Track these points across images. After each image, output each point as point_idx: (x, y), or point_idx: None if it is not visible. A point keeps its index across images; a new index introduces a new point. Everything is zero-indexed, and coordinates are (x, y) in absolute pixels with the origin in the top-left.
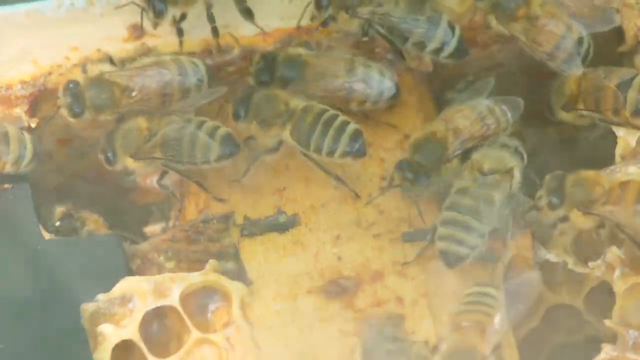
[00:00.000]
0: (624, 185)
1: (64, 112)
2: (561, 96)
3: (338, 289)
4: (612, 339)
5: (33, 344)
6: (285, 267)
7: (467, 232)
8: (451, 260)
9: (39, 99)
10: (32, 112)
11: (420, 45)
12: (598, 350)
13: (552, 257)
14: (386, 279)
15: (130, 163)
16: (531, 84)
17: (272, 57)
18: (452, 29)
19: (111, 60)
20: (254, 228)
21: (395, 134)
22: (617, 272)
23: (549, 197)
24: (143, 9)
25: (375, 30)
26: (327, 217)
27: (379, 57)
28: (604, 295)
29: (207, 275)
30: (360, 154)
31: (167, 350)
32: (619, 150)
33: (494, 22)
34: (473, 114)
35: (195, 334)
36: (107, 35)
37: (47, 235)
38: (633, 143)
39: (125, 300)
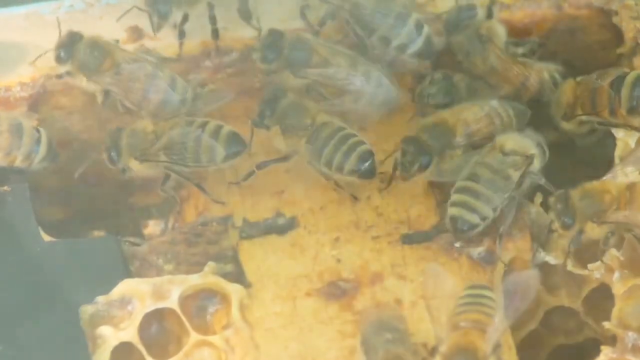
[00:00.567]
0: (631, 187)
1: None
2: (559, 107)
3: (337, 291)
4: (611, 341)
5: (32, 346)
6: (284, 269)
7: (481, 201)
8: (461, 226)
9: (38, 100)
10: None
11: (385, 40)
12: (597, 353)
13: (551, 259)
14: (385, 281)
15: (134, 165)
16: None
17: (280, 34)
18: (420, 28)
19: None
20: (253, 230)
21: (394, 135)
22: (616, 274)
23: (560, 219)
24: (147, 13)
25: (344, 20)
26: (325, 220)
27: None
28: (603, 298)
29: (206, 277)
30: (368, 174)
31: (166, 352)
32: (618, 152)
33: None
34: (482, 111)
35: (194, 336)
36: (106, 37)
37: (46, 237)
38: (632, 144)
39: (124, 302)
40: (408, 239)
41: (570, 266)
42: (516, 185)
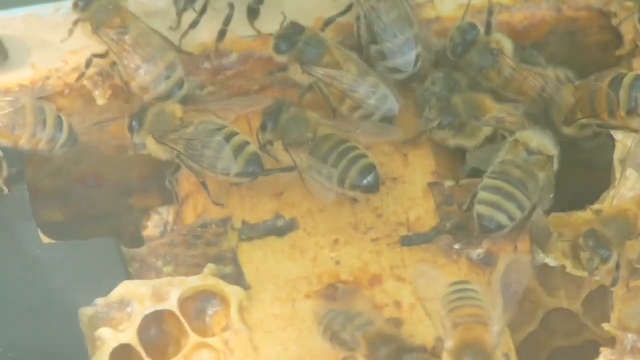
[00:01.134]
0: None
1: None
2: (560, 111)
3: (336, 293)
4: (611, 342)
5: (31, 348)
6: (284, 271)
7: (512, 202)
8: (488, 225)
9: None
10: None
11: (382, 56)
12: (596, 354)
13: (550, 260)
14: (384, 283)
15: (150, 142)
16: None
17: (300, 28)
18: (418, 60)
19: None
20: (252, 232)
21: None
22: (615, 275)
23: (598, 254)
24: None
25: (355, 16)
26: (325, 221)
27: None
28: (602, 299)
29: (205, 279)
30: (370, 188)
31: (166, 354)
32: (617, 154)
33: None
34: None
35: (193, 338)
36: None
37: (45, 239)
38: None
39: (123, 304)
40: (407, 241)
41: (569, 268)
42: (541, 189)
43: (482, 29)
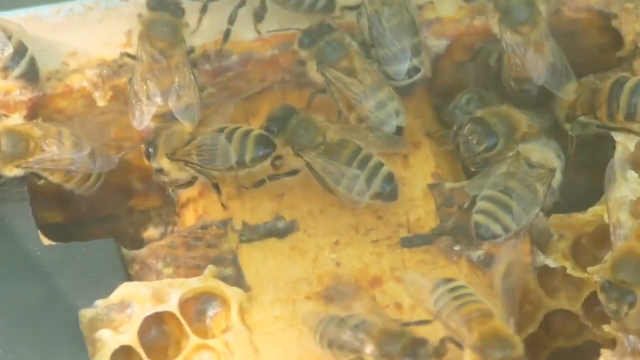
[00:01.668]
0: None
1: None
2: (562, 108)
3: (336, 294)
4: (611, 344)
5: (32, 349)
6: (284, 272)
7: (508, 214)
8: (483, 234)
9: (37, 104)
10: (30, 117)
11: (381, 60)
12: (597, 356)
13: (550, 262)
14: (385, 285)
15: (166, 164)
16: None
17: (330, 29)
18: (416, 71)
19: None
20: (253, 234)
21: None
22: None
23: (625, 302)
24: None
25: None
26: (325, 223)
27: None
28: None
29: (205, 281)
30: (391, 196)
31: (166, 356)
32: (617, 155)
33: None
34: None
35: (193, 339)
36: (106, 40)
37: (45, 241)
38: (632, 148)
39: (123, 306)
40: (407, 243)
41: (569, 269)
42: (542, 200)
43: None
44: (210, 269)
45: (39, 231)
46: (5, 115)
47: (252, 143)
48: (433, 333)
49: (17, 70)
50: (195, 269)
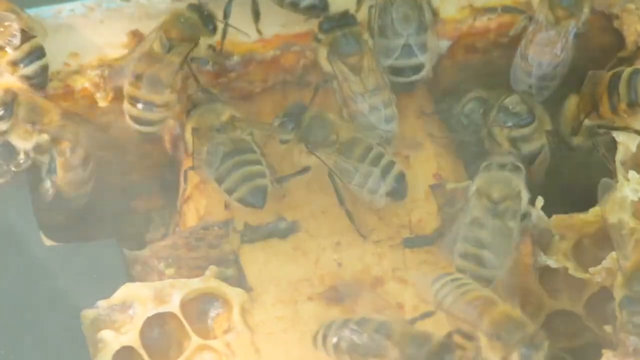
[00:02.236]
0: None
1: None
2: (566, 123)
3: (338, 295)
4: (613, 345)
5: (33, 350)
6: (286, 273)
7: (485, 267)
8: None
9: None
10: None
11: (387, 53)
12: (599, 356)
13: (552, 263)
14: (386, 285)
15: (188, 133)
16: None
17: (353, 20)
18: (420, 69)
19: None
20: (254, 234)
21: (396, 140)
22: (617, 278)
23: None
24: None
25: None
26: (327, 224)
27: None
28: (604, 301)
29: (207, 281)
30: (400, 195)
31: (168, 356)
32: (619, 156)
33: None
34: None
35: (195, 340)
36: (107, 41)
37: (47, 242)
38: (633, 148)
39: (125, 306)
40: (409, 243)
41: (571, 270)
42: (518, 234)
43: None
44: (212, 269)
45: (40, 232)
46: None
47: (247, 188)
48: (437, 333)
49: (27, 70)
50: (197, 270)
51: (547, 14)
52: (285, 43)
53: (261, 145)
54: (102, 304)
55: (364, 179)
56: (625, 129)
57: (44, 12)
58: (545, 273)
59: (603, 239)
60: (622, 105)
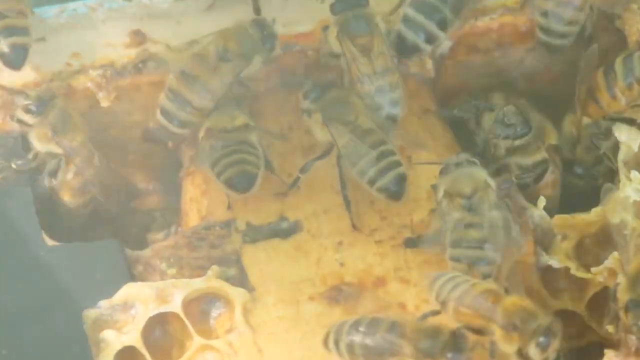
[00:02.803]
0: None
1: None
2: (567, 140)
3: (340, 295)
4: (615, 344)
5: (35, 350)
6: (288, 273)
7: (481, 265)
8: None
9: None
10: None
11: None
12: (601, 356)
13: (554, 262)
14: (388, 285)
15: (202, 131)
16: (532, 90)
17: (365, 3)
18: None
19: None
20: (256, 234)
21: (396, 140)
22: (619, 278)
23: None
24: None
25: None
26: (329, 223)
27: None
28: (606, 301)
29: (209, 281)
30: (396, 195)
31: (170, 356)
32: (621, 156)
33: None
34: None
35: (197, 340)
36: (109, 41)
37: (49, 242)
38: (636, 148)
39: (127, 306)
40: (411, 243)
41: (573, 270)
42: (505, 221)
43: None
44: (214, 269)
45: (42, 232)
46: None
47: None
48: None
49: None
50: (199, 270)
51: None
52: (287, 43)
53: (265, 148)
54: (104, 303)
55: (367, 167)
56: (629, 119)
57: (46, 11)
58: (547, 273)
59: (605, 239)
60: (620, 84)
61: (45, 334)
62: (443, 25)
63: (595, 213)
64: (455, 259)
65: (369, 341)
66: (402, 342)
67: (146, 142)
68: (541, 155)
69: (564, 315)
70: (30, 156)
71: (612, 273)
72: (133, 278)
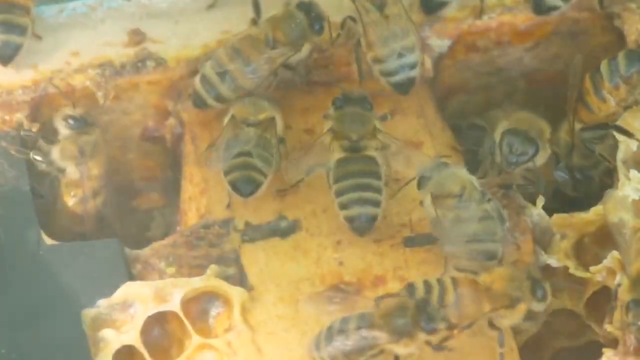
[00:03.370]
0: None
1: None
2: (562, 147)
3: (339, 294)
4: (613, 343)
5: (34, 349)
6: (287, 272)
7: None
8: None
9: (39, 104)
10: (33, 117)
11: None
12: (599, 355)
13: (553, 261)
14: (388, 285)
15: (227, 117)
16: (531, 89)
17: None
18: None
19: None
20: (255, 233)
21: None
22: (618, 277)
23: None
24: None
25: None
26: (328, 223)
27: None
28: (605, 300)
29: (208, 280)
30: (359, 232)
31: (169, 355)
32: (620, 155)
33: None
34: None
35: (196, 339)
36: (108, 40)
37: (48, 241)
38: (634, 147)
39: (126, 305)
40: (410, 242)
41: (572, 269)
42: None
43: None
44: (213, 268)
45: (41, 230)
46: None
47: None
48: None
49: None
50: (198, 269)
51: None
52: None
53: (282, 154)
54: (102, 303)
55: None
56: (618, 127)
57: (45, 10)
58: (545, 272)
59: (604, 238)
60: (607, 85)
61: (44, 334)
62: None
63: (594, 212)
64: (456, 256)
65: (345, 347)
66: (375, 332)
67: (145, 141)
68: (546, 153)
69: (563, 314)
70: (44, 162)
71: (611, 272)
72: (132, 277)
